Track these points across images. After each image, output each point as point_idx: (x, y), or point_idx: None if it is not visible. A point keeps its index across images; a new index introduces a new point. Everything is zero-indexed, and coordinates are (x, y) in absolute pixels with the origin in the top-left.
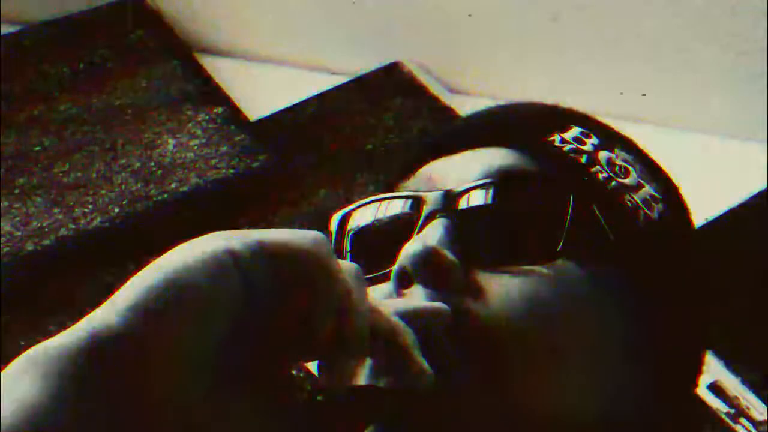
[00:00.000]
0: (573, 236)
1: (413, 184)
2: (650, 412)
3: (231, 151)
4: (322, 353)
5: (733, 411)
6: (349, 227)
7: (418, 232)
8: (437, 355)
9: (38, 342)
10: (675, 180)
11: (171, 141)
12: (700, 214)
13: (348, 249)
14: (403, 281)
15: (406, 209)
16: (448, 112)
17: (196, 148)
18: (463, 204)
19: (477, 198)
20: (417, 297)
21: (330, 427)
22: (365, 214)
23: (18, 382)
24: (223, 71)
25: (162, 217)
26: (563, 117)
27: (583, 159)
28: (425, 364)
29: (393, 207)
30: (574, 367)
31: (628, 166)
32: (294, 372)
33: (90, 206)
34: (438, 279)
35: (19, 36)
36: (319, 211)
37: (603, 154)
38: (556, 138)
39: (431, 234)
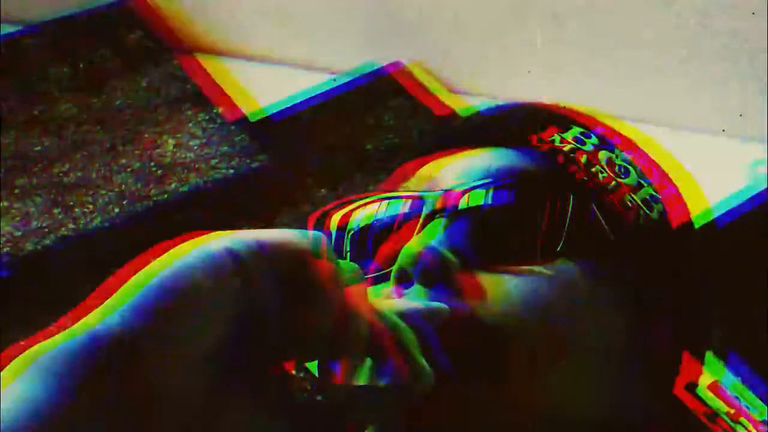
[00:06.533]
0: (573, 236)
1: (413, 184)
2: (649, 410)
3: (231, 151)
4: (322, 353)
5: (733, 411)
6: (349, 227)
7: (418, 232)
8: (437, 355)
9: (38, 342)
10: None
11: (171, 141)
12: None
13: (348, 249)
14: (403, 281)
15: (406, 209)
16: (448, 112)
17: (196, 148)
18: (463, 204)
19: (477, 198)
20: (417, 297)
21: (330, 427)
22: (365, 214)
23: (18, 381)
24: (223, 71)
25: (162, 217)
26: (563, 117)
27: (583, 159)
28: (425, 364)
29: (393, 207)
30: (574, 366)
31: (628, 166)
32: (294, 372)
33: (90, 206)
34: (438, 279)
35: (19, 36)
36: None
37: (603, 154)
38: (556, 138)
39: (431, 234)
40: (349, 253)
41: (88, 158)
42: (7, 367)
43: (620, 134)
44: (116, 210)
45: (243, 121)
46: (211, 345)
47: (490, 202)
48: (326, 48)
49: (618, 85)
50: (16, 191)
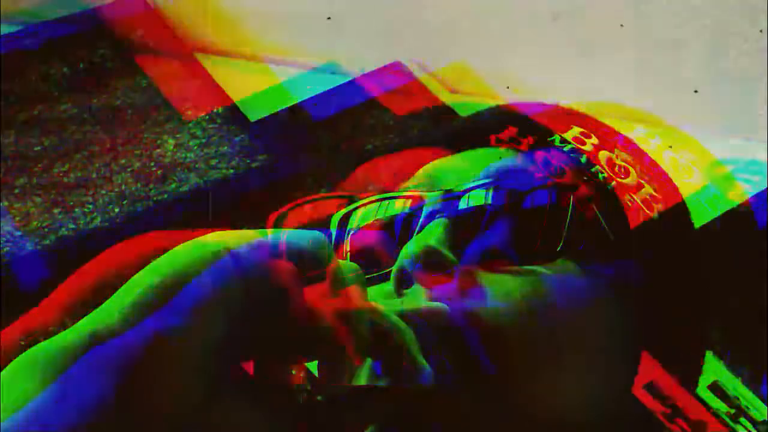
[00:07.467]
0: (573, 236)
1: (413, 184)
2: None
3: (231, 151)
4: (322, 353)
5: (733, 411)
6: (349, 227)
7: (418, 232)
8: (437, 355)
9: (38, 342)
10: (675, 180)
11: (171, 141)
12: (700, 215)
13: (348, 249)
14: (403, 281)
15: (406, 209)
16: (448, 112)
17: (196, 148)
18: (463, 204)
19: (477, 198)
20: (417, 297)
21: (330, 427)
22: (365, 214)
23: (18, 381)
24: (223, 71)
25: (162, 217)
26: (563, 117)
27: (583, 159)
28: (425, 364)
29: (393, 207)
30: (574, 365)
31: (628, 166)
32: (294, 372)
33: (90, 206)
34: (438, 279)
35: (19, 36)
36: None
37: (603, 154)
38: (556, 138)
39: (431, 234)
40: (349, 253)
41: (88, 158)
42: (7, 367)
43: (620, 134)
44: (116, 210)
45: (243, 121)
46: (211, 344)
47: (490, 202)
48: (327, 48)
49: (618, 85)
50: (16, 191)
